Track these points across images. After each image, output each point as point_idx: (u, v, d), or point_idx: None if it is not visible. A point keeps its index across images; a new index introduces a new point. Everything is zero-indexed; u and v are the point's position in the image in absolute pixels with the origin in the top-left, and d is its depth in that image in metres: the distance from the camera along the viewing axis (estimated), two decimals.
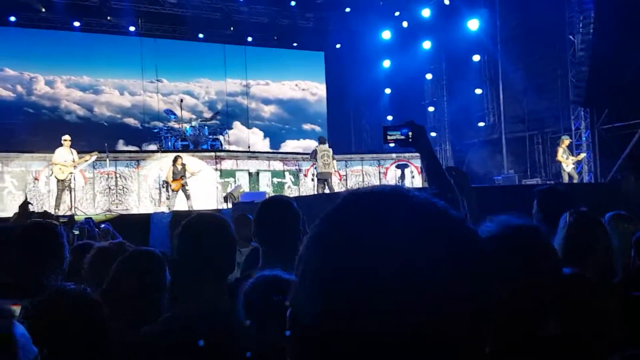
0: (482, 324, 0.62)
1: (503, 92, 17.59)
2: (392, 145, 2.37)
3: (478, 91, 18.32)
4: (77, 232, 6.05)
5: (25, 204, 5.86)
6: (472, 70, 18.34)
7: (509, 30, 16.84)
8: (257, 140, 21.09)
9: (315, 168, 13.99)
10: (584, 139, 15.30)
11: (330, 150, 13.87)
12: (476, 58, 18.08)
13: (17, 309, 2.06)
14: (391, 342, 0.57)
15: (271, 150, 20.18)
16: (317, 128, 22.16)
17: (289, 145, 21.33)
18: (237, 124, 20.52)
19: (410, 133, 2.27)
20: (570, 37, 15.10)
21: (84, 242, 4.31)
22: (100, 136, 17.02)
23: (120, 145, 18.32)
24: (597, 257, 2.35)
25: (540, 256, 1.32)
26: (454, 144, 19.76)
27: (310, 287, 0.63)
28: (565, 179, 13.23)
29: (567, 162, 13.37)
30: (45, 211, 6.83)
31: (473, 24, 16.94)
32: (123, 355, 1.89)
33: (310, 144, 20.08)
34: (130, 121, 20.17)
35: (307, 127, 22.46)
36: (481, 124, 18.59)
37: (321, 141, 14.09)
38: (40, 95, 19.25)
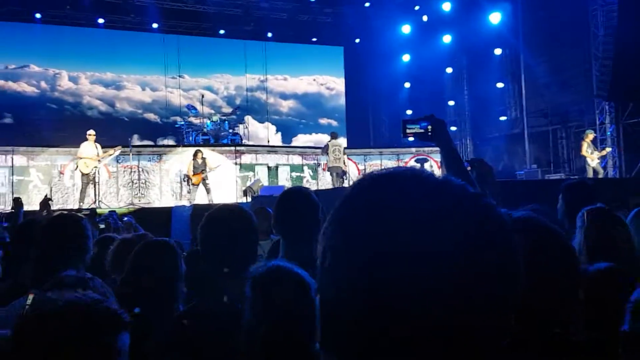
0: (508, 312, 0.61)
1: (525, 85, 17.40)
2: (411, 139, 2.34)
3: (499, 85, 18.13)
4: (102, 226, 6.16)
5: (45, 201, 6.01)
6: (494, 64, 18.15)
7: (531, 24, 16.63)
8: (270, 134, 21.07)
9: (327, 162, 14.14)
10: (608, 133, 15.07)
11: (342, 145, 14.00)
12: (498, 52, 17.89)
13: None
14: (416, 326, 0.58)
15: (290, 145, 20.23)
16: (334, 122, 22.15)
17: (300, 140, 21.24)
18: (248, 119, 20.50)
19: (429, 127, 2.25)
20: (594, 29, 14.88)
21: (107, 235, 4.40)
22: (122, 131, 17.30)
23: (135, 140, 18.53)
24: (620, 255, 2.27)
25: (552, 246, 1.30)
26: (474, 139, 19.61)
27: (336, 271, 0.63)
28: (590, 174, 13.04)
29: (592, 157, 13.18)
30: (43, 200, 6.92)
31: (495, 17, 16.77)
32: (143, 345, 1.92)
33: (322, 138, 20.14)
34: (150, 116, 20.39)
35: (324, 121, 22.45)
36: (503, 118, 18.41)
37: (333, 136, 14.40)
38: (64, 91, 19.57)
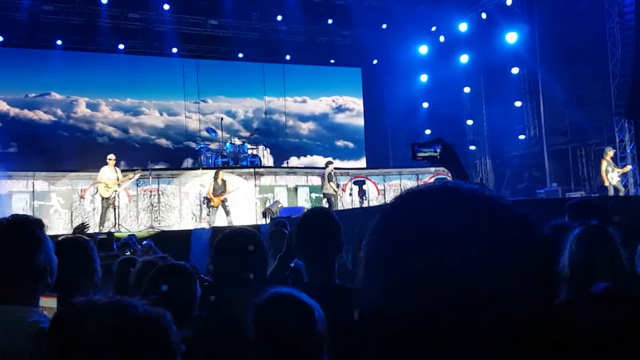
0: (543, 319, 0.62)
1: (543, 104, 17.31)
2: (421, 160, 2.36)
3: (518, 104, 18.06)
4: (128, 253, 6.18)
5: (81, 227, 6.10)
6: (511, 83, 18.10)
7: (548, 42, 16.61)
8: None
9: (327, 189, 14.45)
10: (628, 150, 14.90)
11: (326, 172, 14.30)
12: (515, 71, 17.86)
13: (52, 301, 2.12)
14: (458, 334, 0.59)
15: (310, 166, 20.28)
16: (350, 144, 22.23)
17: (293, 162, 20.88)
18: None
19: (439, 150, 2.27)
20: (612, 47, 14.81)
21: (129, 257, 4.44)
22: (142, 155, 17.54)
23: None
24: (602, 272, 2.26)
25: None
26: (494, 158, 19.49)
27: (378, 283, 0.64)
28: (611, 192, 12.91)
29: (612, 176, 13.06)
30: (77, 226, 6.98)
31: (511, 37, 16.77)
32: None
33: (315, 160, 20.20)
34: (165, 141, 20.62)
35: (340, 143, 22.52)
36: (522, 137, 18.30)
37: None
38: (82, 118, 19.81)
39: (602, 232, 2.39)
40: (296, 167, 18.28)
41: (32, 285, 1.86)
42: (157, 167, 16.01)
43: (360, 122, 22.80)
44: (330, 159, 15.73)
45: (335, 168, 15.19)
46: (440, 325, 0.59)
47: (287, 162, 20.03)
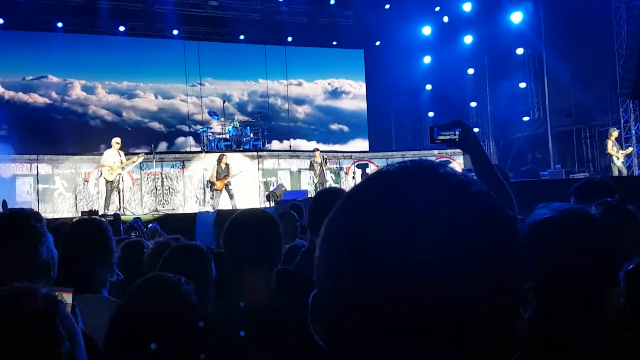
0: (508, 308, 0.60)
1: (548, 85, 17.21)
2: (439, 143, 2.30)
3: (522, 85, 17.96)
4: (133, 235, 6.22)
5: (90, 213, 6.13)
6: (516, 64, 17.98)
7: (553, 22, 16.45)
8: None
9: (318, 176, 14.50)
10: (633, 131, 14.85)
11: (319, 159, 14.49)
12: (520, 51, 17.72)
13: (67, 296, 2.13)
14: (412, 323, 0.57)
15: (313, 149, 20.26)
16: (345, 128, 22.20)
17: (295, 145, 20.67)
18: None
19: (457, 132, 2.22)
20: (618, 27, 14.67)
21: (136, 240, 4.45)
22: (141, 138, 17.50)
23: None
24: (626, 249, 2.26)
25: (597, 237, 1.32)
26: (497, 140, 19.43)
27: (333, 259, 0.62)
28: (615, 173, 12.90)
29: (618, 155, 13.04)
30: (91, 210, 7.06)
31: (516, 17, 16.62)
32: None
33: (297, 144, 20.13)
34: (167, 123, 20.58)
35: (338, 127, 22.47)
36: (526, 119, 18.23)
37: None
38: (77, 100, 19.73)
39: (627, 209, 2.36)
40: (299, 151, 18.24)
41: (36, 279, 1.77)
42: (161, 150, 16.02)
43: (362, 104, 22.71)
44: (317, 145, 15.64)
45: (336, 151, 15.20)
46: (392, 314, 0.57)
47: (290, 146, 20.00)
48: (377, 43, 21.38)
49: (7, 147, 14.86)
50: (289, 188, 14.67)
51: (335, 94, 22.77)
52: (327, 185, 14.11)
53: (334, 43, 21.59)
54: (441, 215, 0.59)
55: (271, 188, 14.49)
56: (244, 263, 1.93)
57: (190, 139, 19.73)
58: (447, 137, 2.22)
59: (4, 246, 1.80)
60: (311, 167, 14.52)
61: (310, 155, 16.53)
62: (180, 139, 20.27)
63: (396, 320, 0.57)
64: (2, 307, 1.23)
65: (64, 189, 14.95)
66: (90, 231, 2.61)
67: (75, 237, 2.63)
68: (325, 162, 14.55)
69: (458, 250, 0.57)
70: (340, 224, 0.64)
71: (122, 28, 19.13)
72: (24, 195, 14.62)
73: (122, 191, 13.05)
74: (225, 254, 2.03)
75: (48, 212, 13.82)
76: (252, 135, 17.16)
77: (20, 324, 1.18)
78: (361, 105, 22.75)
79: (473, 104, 19.83)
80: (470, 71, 19.44)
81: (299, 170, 16.37)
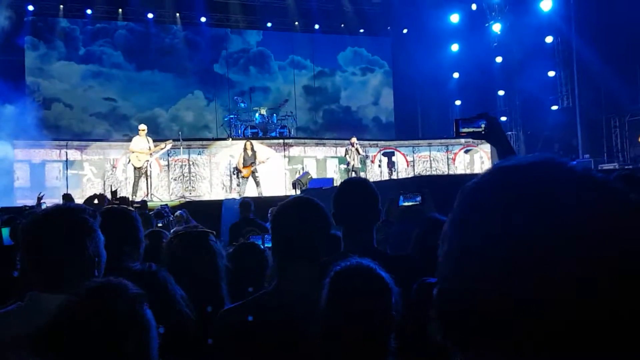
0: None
1: (577, 74, 16.90)
2: (465, 136, 2.32)
3: (551, 73, 17.67)
4: (160, 225, 6.26)
5: (114, 192, 6.18)
6: (545, 53, 17.68)
7: (584, 10, 16.11)
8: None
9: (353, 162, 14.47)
10: None
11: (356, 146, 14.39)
12: (549, 40, 17.42)
13: None
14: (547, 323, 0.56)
15: (340, 137, 20.26)
16: (379, 116, 22.06)
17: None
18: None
19: (483, 125, 2.21)
20: None
21: (158, 230, 4.51)
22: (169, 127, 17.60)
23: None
24: None
25: None
26: (525, 129, 19.18)
27: (464, 266, 0.62)
28: None
29: None
30: (122, 197, 7.12)
31: (546, 4, 16.33)
32: (203, 334, 1.93)
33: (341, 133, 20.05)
34: (196, 112, 20.73)
35: (367, 115, 22.37)
36: (554, 108, 17.95)
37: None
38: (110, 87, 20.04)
39: None
40: (325, 139, 18.25)
41: (81, 275, 1.72)
42: (189, 137, 16.15)
43: (389, 92, 22.57)
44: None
45: (362, 139, 15.15)
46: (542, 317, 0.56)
47: (316, 133, 20.02)
48: (405, 31, 21.20)
49: (38, 133, 15.15)
50: (314, 176, 14.69)
51: (367, 80, 22.62)
52: (360, 173, 14.24)
53: (362, 31, 21.47)
54: (591, 208, 0.59)
55: (297, 176, 14.52)
56: (290, 251, 1.93)
57: (217, 127, 19.87)
58: (472, 130, 2.23)
59: (51, 237, 1.78)
60: (347, 153, 14.48)
61: (338, 142, 16.57)
62: (207, 126, 20.39)
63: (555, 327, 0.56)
64: (92, 302, 1.29)
65: (92, 174, 15.17)
66: (120, 222, 2.59)
67: (103, 227, 2.65)
68: (358, 151, 14.53)
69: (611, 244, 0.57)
70: (488, 221, 0.61)
71: (150, 15, 19.30)
72: (53, 181, 14.88)
73: (150, 177, 13.19)
74: (272, 241, 2.03)
75: (77, 197, 14.06)
76: (278, 122, 17.22)
77: (106, 324, 1.25)
78: (387, 93, 22.61)
79: (501, 93, 19.58)
80: (499, 59, 19.18)
81: (325, 158, 16.39)
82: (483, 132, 2.21)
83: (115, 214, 2.68)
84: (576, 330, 0.56)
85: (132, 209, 2.98)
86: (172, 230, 3.71)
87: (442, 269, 0.65)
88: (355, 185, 2.54)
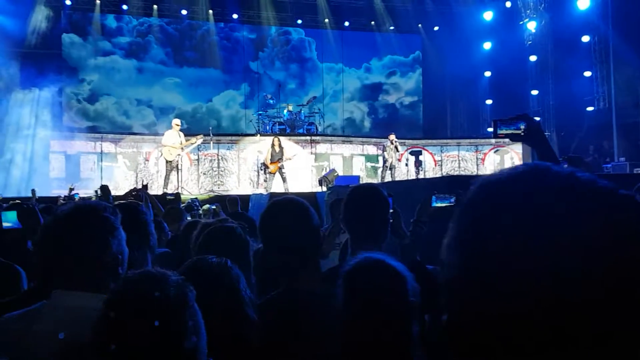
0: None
1: (614, 74, 16.50)
2: (502, 137, 2.27)
3: (587, 74, 17.29)
4: (188, 218, 6.34)
5: (145, 186, 6.29)
6: (581, 52, 17.29)
7: (622, 9, 15.72)
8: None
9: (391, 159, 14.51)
10: None
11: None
12: (585, 39, 17.04)
13: None
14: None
15: (366, 135, 20.22)
16: (407, 113, 21.91)
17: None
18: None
19: (522, 127, 2.18)
20: None
21: (194, 220, 4.60)
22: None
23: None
24: None
25: None
26: (559, 130, 18.83)
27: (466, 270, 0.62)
28: None
29: None
30: (136, 194, 7.20)
31: (583, 3, 15.98)
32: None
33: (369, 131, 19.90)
34: (223, 108, 20.92)
35: (395, 113, 22.25)
36: (590, 109, 17.57)
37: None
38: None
39: None
40: (352, 136, 18.24)
41: (104, 273, 1.75)
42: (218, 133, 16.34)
43: (418, 90, 22.40)
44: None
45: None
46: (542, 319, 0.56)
47: (344, 130, 20.03)
48: (436, 28, 21.00)
49: (74, 125, 15.56)
50: (341, 173, 14.71)
51: (396, 79, 22.50)
52: (395, 170, 14.24)
53: (392, 28, 21.36)
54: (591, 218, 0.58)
55: (323, 173, 14.56)
56: (280, 252, 1.95)
57: (246, 122, 20.04)
58: (511, 132, 2.20)
59: (75, 236, 1.78)
60: (385, 150, 14.52)
61: (364, 140, 16.58)
62: (236, 122, 20.58)
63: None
64: (133, 293, 1.26)
65: (125, 167, 15.48)
66: (125, 215, 2.64)
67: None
68: (397, 148, 14.51)
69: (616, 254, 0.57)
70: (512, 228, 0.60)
71: (184, 12, 19.55)
72: (87, 172, 15.24)
73: (181, 171, 13.39)
74: (263, 244, 2.05)
75: (111, 189, 14.36)
76: (305, 119, 17.28)
77: (150, 313, 1.21)
78: (416, 91, 22.44)
79: (534, 92, 19.24)
80: (533, 58, 18.85)
81: (352, 156, 16.39)
82: (522, 134, 2.17)
83: (122, 209, 2.75)
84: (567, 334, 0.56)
85: (139, 203, 3.01)
86: (201, 222, 3.76)
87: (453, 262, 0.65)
88: (364, 193, 2.52)
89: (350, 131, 20.54)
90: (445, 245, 0.66)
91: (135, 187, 7.75)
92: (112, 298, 1.27)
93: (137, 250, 2.47)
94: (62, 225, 1.80)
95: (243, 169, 15.78)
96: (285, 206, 2.04)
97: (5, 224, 3.11)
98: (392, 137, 14.47)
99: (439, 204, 3.34)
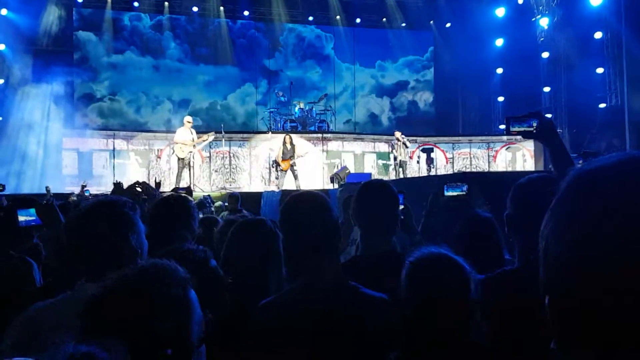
0: None
1: (627, 71, 16.37)
2: (515, 135, 2.27)
3: (599, 70, 17.16)
4: (200, 215, 6.43)
5: (158, 184, 6.35)
6: (594, 48, 17.16)
7: (635, 5, 15.58)
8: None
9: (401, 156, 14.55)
10: None
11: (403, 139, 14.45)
12: (598, 35, 16.91)
13: None
14: None
15: (377, 132, 20.20)
16: (420, 109, 21.82)
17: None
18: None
19: (535, 124, 2.19)
20: None
21: (211, 217, 4.65)
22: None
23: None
24: None
25: None
26: (571, 127, 18.71)
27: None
28: None
29: None
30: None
31: None
32: (245, 326, 1.95)
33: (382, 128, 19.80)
34: (236, 105, 20.97)
35: (407, 110, 22.18)
36: (602, 106, 17.44)
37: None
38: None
39: None
40: (364, 134, 18.23)
41: (125, 265, 1.67)
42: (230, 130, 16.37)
43: (430, 87, 22.34)
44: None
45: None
46: None
47: (355, 128, 20.02)
48: (448, 25, 20.93)
49: (87, 123, 15.67)
50: (352, 171, 14.71)
51: (408, 75, 22.45)
52: (406, 167, 14.24)
53: (404, 25, 21.30)
54: None
55: (335, 170, 14.57)
56: (297, 245, 1.97)
57: (258, 119, 20.09)
58: (523, 129, 2.21)
59: (96, 231, 1.85)
60: (393, 147, 14.52)
61: (376, 138, 16.55)
62: (251, 119, 20.62)
63: None
64: (142, 282, 1.30)
65: (137, 164, 15.57)
66: (179, 208, 2.74)
67: (165, 212, 2.77)
68: (405, 144, 14.50)
69: None
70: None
71: (195, 9, 19.62)
72: (99, 169, 15.34)
73: (193, 168, 13.44)
74: (282, 234, 2.07)
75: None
76: (317, 117, 17.29)
77: (147, 303, 1.25)
78: (427, 88, 22.39)
79: (546, 89, 19.12)
80: (545, 55, 18.73)
81: (363, 153, 16.38)
82: (534, 132, 2.19)
83: (176, 201, 2.86)
84: None
85: (191, 198, 3.11)
86: (225, 218, 3.80)
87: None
88: (374, 189, 2.55)
89: (364, 129, 20.52)
90: (548, 234, 0.66)
91: (138, 180, 7.82)
92: (108, 283, 1.32)
93: (183, 243, 2.56)
94: (84, 220, 1.89)
95: (255, 166, 15.82)
96: (306, 199, 2.07)
97: (25, 218, 3.16)
98: (398, 134, 14.45)
99: (451, 193, 3.34)
